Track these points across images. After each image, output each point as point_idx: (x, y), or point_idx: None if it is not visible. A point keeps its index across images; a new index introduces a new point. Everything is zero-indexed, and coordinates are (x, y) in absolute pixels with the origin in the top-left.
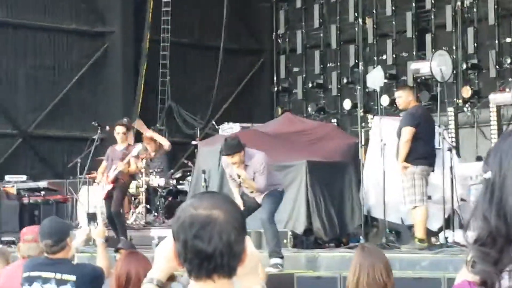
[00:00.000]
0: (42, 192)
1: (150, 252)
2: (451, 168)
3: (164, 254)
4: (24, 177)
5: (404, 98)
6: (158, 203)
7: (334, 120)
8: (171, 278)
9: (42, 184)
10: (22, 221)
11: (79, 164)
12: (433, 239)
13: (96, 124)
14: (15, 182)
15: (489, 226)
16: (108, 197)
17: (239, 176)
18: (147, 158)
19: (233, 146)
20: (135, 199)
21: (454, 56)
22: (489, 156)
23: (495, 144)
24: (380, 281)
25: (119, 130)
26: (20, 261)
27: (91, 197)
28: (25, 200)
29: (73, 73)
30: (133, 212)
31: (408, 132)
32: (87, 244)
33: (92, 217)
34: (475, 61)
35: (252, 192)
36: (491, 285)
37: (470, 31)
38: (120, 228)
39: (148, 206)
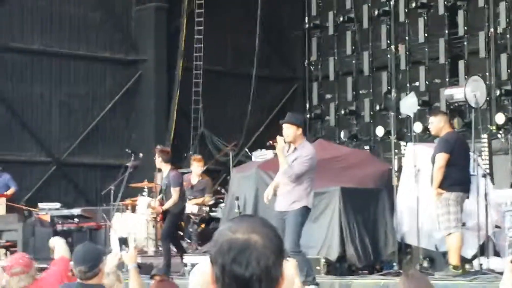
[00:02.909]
0: (76, 219)
1: (183, 279)
2: (485, 194)
3: (200, 278)
4: (58, 205)
5: (436, 123)
6: (191, 230)
7: (367, 147)
8: None
9: (76, 211)
10: None
11: (112, 191)
12: (467, 266)
13: (130, 152)
14: (49, 209)
15: None
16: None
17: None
18: (187, 185)
19: (294, 117)
20: None
21: (488, 82)
22: None
23: None
24: None
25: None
26: None
27: (124, 224)
28: (59, 227)
29: (107, 100)
30: None
31: (442, 158)
32: (119, 269)
33: (123, 242)
34: (508, 87)
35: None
36: None
37: (504, 57)
38: (164, 254)
39: (181, 233)
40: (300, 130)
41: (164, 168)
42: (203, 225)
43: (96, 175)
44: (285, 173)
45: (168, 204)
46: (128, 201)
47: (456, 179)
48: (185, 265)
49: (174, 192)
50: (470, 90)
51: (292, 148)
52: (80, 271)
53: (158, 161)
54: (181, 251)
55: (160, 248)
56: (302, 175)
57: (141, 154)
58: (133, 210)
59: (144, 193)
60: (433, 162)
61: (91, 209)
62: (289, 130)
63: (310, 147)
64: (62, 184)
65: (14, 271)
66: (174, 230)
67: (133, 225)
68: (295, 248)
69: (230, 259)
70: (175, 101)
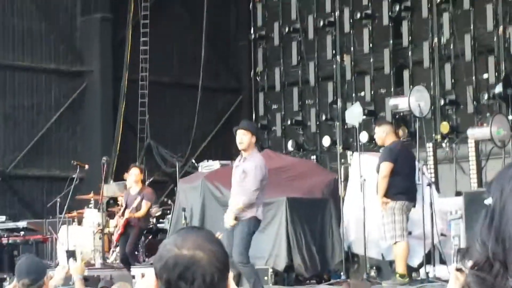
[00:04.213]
0: (22, 232)
1: None
2: (430, 203)
3: None
4: (3, 218)
5: (379, 134)
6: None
7: (313, 157)
8: None
9: (22, 224)
10: (1, 262)
11: (58, 204)
12: (414, 275)
13: (75, 164)
14: None
15: (487, 251)
16: (120, 239)
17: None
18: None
19: (250, 124)
20: None
21: (432, 92)
22: (491, 183)
23: (498, 172)
24: None
25: (133, 172)
26: None
27: (70, 236)
28: (4, 241)
29: (52, 112)
30: (113, 251)
31: (386, 167)
32: (66, 282)
33: (71, 255)
34: (452, 97)
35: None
36: None
37: (447, 67)
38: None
39: None
40: (254, 138)
41: (138, 184)
42: (150, 237)
43: (42, 188)
44: (246, 204)
45: (138, 213)
46: (74, 214)
47: (401, 188)
48: (133, 277)
49: (146, 206)
50: (414, 100)
51: (242, 158)
52: (24, 284)
53: (138, 177)
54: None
55: (108, 261)
56: (254, 193)
57: (86, 166)
58: (80, 222)
59: (91, 205)
60: (378, 171)
61: (37, 221)
62: (245, 137)
63: (259, 157)
64: (7, 197)
65: None
66: (138, 244)
67: (79, 237)
68: (243, 259)
69: (176, 275)
70: (121, 112)
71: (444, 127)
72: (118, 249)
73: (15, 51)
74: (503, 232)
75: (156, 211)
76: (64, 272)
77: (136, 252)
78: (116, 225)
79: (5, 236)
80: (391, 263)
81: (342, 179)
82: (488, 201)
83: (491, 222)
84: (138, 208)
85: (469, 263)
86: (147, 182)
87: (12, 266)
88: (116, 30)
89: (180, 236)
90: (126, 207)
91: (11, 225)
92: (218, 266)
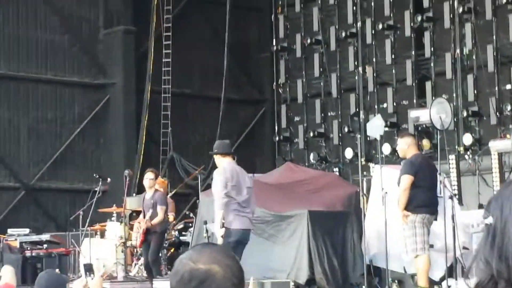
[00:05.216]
0: (45, 245)
1: None
2: (452, 216)
3: None
4: (27, 230)
5: (401, 146)
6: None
7: (336, 169)
8: None
9: (45, 237)
10: (24, 275)
11: (81, 216)
12: None
13: (97, 176)
14: (18, 235)
15: (490, 269)
16: (143, 247)
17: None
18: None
19: (215, 147)
20: (137, 251)
21: (454, 104)
22: (490, 203)
23: (497, 191)
24: None
25: (147, 176)
26: None
27: (93, 249)
28: (28, 253)
29: (75, 125)
30: (135, 264)
31: (406, 180)
32: None
33: (89, 268)
34: (475, 108)
35: None
36: None
37: (470, 78)
38: (155, 277)
39: None
40: (219, 157)
41: (151, 189)
42: (172, 250)
43: (65, 200)
44: (216, 208)
45: (155, 220)
46: (97, 226)
47: (422, 201)
48: None
49: (161, 211)
50: (435, 112)
51: None
52: None
53: (152, 182)
54: (151, 276)
55: (131, 274)
56: (219, 194)
57: (108, 179)
58: (102, 235)
59: (113, 218)
60: (398, 184)
61: (60, 234)
62: (217, 162)
63: (222, 164)
64: (31, 210)
65: None
66: (160, 250)
67: (102, 250)
68: None
69: None
70: (144, 124)
71: (467, 139)
72: (140, 261)
73: (38, 64)
74: (506, 251)
75: (173, 218)
76: (82, 285)
77: (160, 262)
78: (136, 231)
79: (29, 249)
80: (413, 276)
81: (364, 192)
82: (489, 220)
83: (493, 241)
84: (153, 215)
85: (473, 282)
86: (169, 195)
87: (35, 279)
88: (138, 42)
89: (196, 251)
90: (144, 212)
91: (34, 238)
92: (233, 281)
